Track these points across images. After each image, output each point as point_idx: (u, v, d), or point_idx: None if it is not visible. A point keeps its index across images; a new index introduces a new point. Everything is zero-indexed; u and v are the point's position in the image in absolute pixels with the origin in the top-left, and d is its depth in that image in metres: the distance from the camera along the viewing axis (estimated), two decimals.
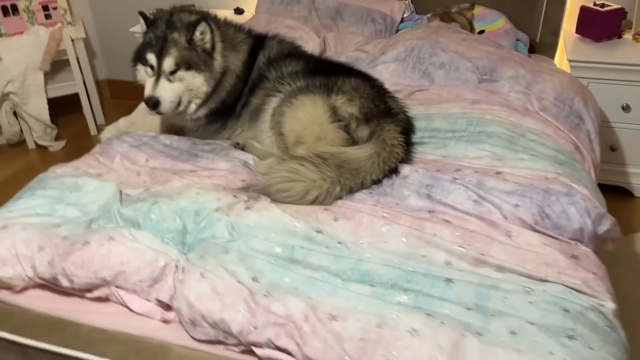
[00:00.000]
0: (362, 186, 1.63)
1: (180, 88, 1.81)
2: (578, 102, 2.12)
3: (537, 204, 1.41)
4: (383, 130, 1.73)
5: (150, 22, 1.89)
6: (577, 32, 2.68)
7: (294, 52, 2.09)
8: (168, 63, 1.77)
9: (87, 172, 1.70)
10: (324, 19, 2.80)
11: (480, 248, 1.32)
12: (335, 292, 1.22)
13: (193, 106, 1.89)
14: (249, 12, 3.22)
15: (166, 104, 1.79)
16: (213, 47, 1.86)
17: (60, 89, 3.30)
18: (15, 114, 3.17)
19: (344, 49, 2.60)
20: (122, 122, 2.10)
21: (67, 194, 1.56)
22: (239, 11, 3.25)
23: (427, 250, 1.33)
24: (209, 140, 1.96)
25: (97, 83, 3.82)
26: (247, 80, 1.98)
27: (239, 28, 2.04)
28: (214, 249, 1.35)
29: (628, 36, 2.64)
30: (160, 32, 1.82)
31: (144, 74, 1.87)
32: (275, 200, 1.54)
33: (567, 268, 1.25)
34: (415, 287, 1.23)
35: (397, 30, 2.79)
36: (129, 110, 3.86)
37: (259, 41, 2.05)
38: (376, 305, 1.17)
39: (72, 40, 3.22)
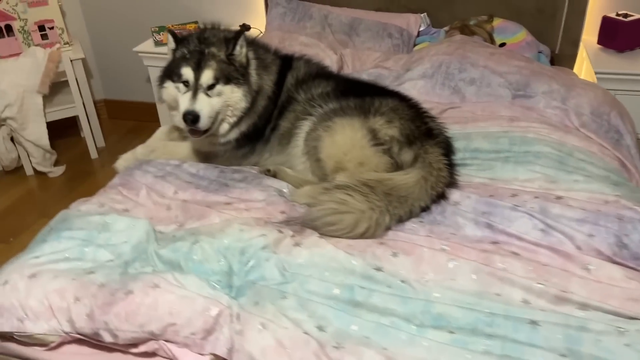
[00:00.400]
0: (411, 215, 1.53)
1: (218, 103, 1.72)
2: (615, 116, 2.05)
3: (613, 233, 1.32)
4: (427, 153, 1.64)
5: (180, 40, 1.79)
6: (599, 42, 2.62)
7: (322, 73, 1.99)
8: (207, 76, 1.69)
9: (113, 208, 1.57)
10: (338, 35, 2.71)
11: (558, 284, 1.22)
12: (413, 341, 1.11)
13: (226, 126, 1.80)
14: (256, 28, 3.11)
15: (205, 120, 1.70)
16: (248, 63, 1.78)
17: (60, 112, 3.14)
18: (12, 139, 3.01)
19: (362, 65, 2.50)
20: (140, 149, 1.97)
21: (96, 235, 1.43)
22: (245, 28, 3.13)
23: (500, 288, 1.23)
24: (237, 167, 1.84)
25: (95, 104, 3.68)
26: (277, 102, 1.88)
27: (267, 48, 1.94)
28: (269, 294, 1.23)
29: None
30: (194, 47, 1.74)
31: (173, 91, 1.78)
32: (322, 233, 1.43)
33: None
34: (498, 332, 1.13)
35: (415, 45, 2.72)
36: (127, 131, 3.77)
37: (286, 62, 1.96)
38: (462, 355, 1.07)
39: (71, 61, 3.08)
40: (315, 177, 1.73)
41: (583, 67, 2.75)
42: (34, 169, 3.11)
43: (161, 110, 3.11)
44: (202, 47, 1.74)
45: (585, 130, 1.93)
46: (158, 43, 2.99)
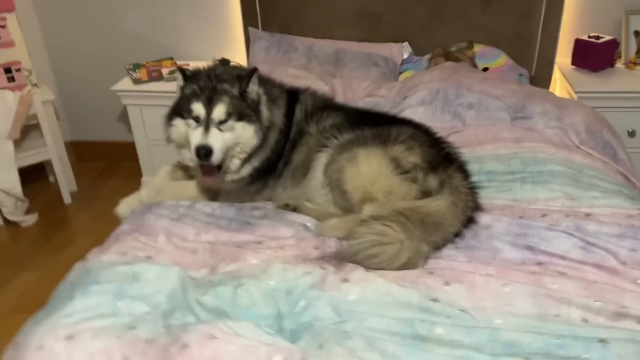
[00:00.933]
0: (446, 241, 1.53)
1: (231, 138, 1.68)
2: (606, 132, 2.15)
3: None
4: (451, 178, 1.64)
5: (189, 76, 1.74)
6: (573, 63, 2.76)
7: (329, 105, 1.98)
8: (219, 111, 1.64)
9: (137, 257, 1.47)
10: (325, 66, 2.72)
11: (613, 300, 1.24)
12: None
13: (237, 162, 1.75)
14: (235, 62, 3.08)
15: (218, 154, 1.64)
16: (259, 100, 1.75)
17: (31, 157, 2.97)
18: None
19: (353, 94, 2.51)
20: (146, 192, 1.88)
21: (127, 286, 1.33)
22: (224, 62, 3.09)
23: (558, 309, 1.23)
24: (254, 204, 1.79)
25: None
26: (289, 136, 1.85)
27: (272, 82, 1.92)
28: (331, 335, 1.18)
29: (619, 65, 2.75)
30: (205, 84, 1.70)
31: (183, 128, 1.72)
32: (364, 266, 1.39)
33: None
34: (572, 354, 1.12)
35: (400, 73, 2.77)
36: (99, 173, 3.60)
37: (292, 95, 1.94)
38: None
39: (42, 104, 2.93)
40: (338, 209, 1.70)
41: (557, 87, 2.88)
42: (5, 219, 2.91)
43: (142, 148, 3.00)
44: (214, 84, 1.70)
45: (585, 148, 2.01)
46: (137, 81, 2.90)
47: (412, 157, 1.66)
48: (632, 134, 2.58)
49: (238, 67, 1.86)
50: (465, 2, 2.74)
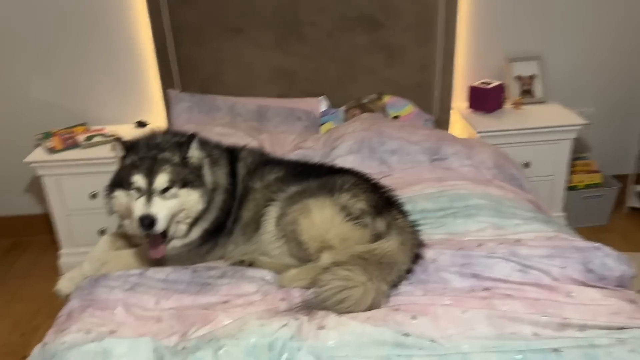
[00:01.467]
0: (400, 279, 1.64)
1: (175, 206, 1.70)
2: (509, 166, 2.44)
3: (580, 262, 1.57)
4: (396, 219, 1.78)
5: (129, 147, 1.74)
6: (470, 107, 3.10)
7: (269, 159, 2.07)
8: (161, 180, 1.66)
9: (101, 332, 1.42)
10: (250, 122, 2.81)
11: (555, 313, 1.41)
12: None
13: (182, 227, 1.77)
14: (152, 124, 3.06)
15: (162, 222, 1.65)
16: (201, 164, 1.78)
17: None
18: None
19: (282, 148, 2.62)
20: (88, 265, 1.80)
21: None
22: (141, 124, 3.07)
23: (513, 327, 1.38)
24: (208, 264, 1.79)
25: None
26: (234, 194, 1.90)
27: (210, 143, 1.97)
28: None
29: (508, 105, 3.13)
30: (145, 154, 1.71)
31: (125, 199, 1.71)
32: (333, 311, 1.46)
33: (634, 312, 1.41)
34: None
35: (321, 124, 2.93)
36: (7, 250, 3.32)
37: (232, 154, 2.00)
38: None
39: None
40: (295, 259, 1.76)
41: (460, 129, 3.20)
42: None
43: (60, 219, 2.85)
44: (154, 153, 1.72)
45: (497, 181, 2.26)
46: (53, 150, 2.78)
47: (359, 204, 1.78)
48: (527, 165, 2.93)
49: (177, 134, 1.88)
50: (372, 59, 3.00)
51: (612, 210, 3.31)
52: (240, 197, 1.90)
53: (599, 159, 3.33)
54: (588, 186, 3.22)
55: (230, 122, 2.77)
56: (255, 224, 1.86)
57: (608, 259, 1.58)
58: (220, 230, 1.86)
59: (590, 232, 3.04)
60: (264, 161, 2.02)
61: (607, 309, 1.42)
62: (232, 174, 1.93)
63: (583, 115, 2.96)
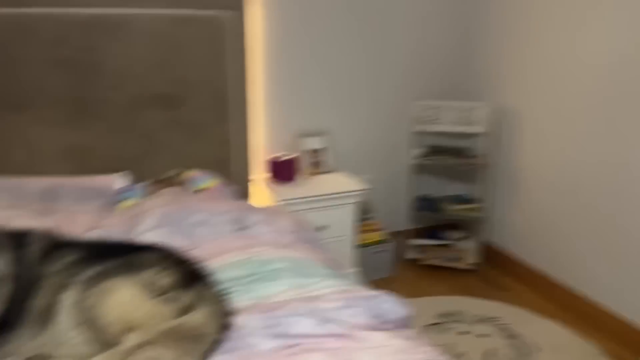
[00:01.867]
0: (212, 350, 1.66)
1: None
2: (305, 230, 2.67)
3: (367, 310, 1.77)
4: (204, 290, 1.81)
5: None
6: (271, 178, 3.32)
7: (60, 241, 1.93)
8: None
9: None
10: (39, 204, 2.60)
11: (356, 358, 1.57)
12: None
13: None
14: None
15: None
16: None
17: None
18: None
19: (78, 227, 2.46)
20: None
21: None
22: None
23: None
24: None
25: None
26: (22, 283, 1.73)
27: None
28: None
29: (303, 175, 3.44)
30: None
31: None
32: None
33: (413, 348, 1.64)
34: None
35: (121, 201, 2.84)
36: None
37: (17, 239, 1.83)
38: None
39: None
40: (98, 345, 1.65)
41: (259, 198, 3.40)
42: None
43: None
44: None
45: (297, 245, 2.45)
46: None
47: (164, 279, 1.77)
48: (325, 227, 3.23)
49: None
50: (174, 135, 3.06)
51: (399, 262, 3.79)
52: (29, 286, 1.74)
53: (382, 219, 3.82)
54: (376, 243, 3.65)
55: (15, 205, 2.53)
56: (49, 313, 1.71)
57: (387, 304, 1.82)
58: (5, 325, 1.67)
59: (383, 283, 3.43)
60: (57, 244, 1.89)
61: (391, 349, 1.63)
62: (17, 261, 1.76)
63: (365, 181, 3.41)
